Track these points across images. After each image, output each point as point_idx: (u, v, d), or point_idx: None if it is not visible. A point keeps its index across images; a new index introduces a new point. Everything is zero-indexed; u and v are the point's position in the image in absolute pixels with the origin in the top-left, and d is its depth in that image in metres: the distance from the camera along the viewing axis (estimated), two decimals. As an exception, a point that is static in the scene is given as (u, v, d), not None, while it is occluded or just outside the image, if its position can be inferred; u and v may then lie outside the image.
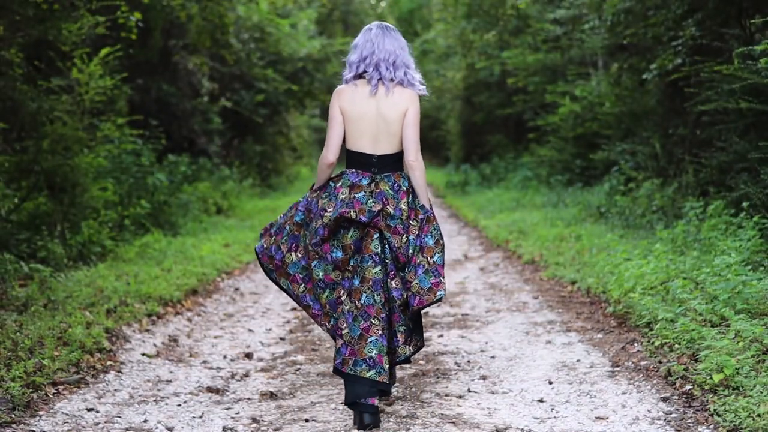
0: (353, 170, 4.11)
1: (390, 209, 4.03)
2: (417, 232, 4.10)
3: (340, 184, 4.11)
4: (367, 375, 3.92)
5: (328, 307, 4.16)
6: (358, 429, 3.93)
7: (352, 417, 4.08)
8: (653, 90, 10.94)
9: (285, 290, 4.29)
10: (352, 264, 4.10)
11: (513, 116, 20.41)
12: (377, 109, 4.06)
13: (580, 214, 11.06)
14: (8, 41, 7.34)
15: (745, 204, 6.87)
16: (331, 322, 4.17)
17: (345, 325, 4.02)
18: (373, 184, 4.07)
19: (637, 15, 10.03)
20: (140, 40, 12.66)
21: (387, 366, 3.98)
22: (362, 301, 4.00)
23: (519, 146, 20.31)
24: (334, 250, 4.08)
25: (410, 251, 4.07)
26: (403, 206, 4.06)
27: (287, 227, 4.23)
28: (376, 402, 3.95)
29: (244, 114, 18.31)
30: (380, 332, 3.98)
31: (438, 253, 4.10)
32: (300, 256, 4.22)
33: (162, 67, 14.45)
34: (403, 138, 4.08)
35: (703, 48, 8.87)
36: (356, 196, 4.04)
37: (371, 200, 4.03)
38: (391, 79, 4.07)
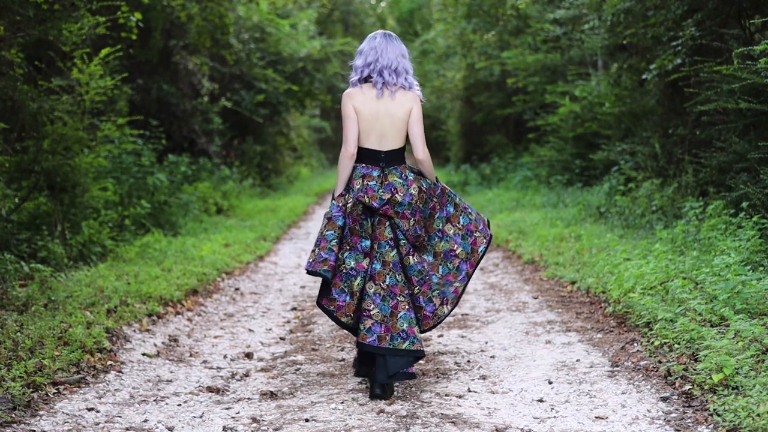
0: (363, 164, 4.55)
1: (399, 197, 4.48)
2: (440, 207, 4.65)
3: (353, 177, 4.55)
4: (403, 346, 4.39)
5: (358, 294, 4.50)
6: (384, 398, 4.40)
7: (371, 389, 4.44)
8: (653, 90, 10.94)
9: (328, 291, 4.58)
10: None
11: (513, 116, 20.39)
12: (384, 110, 4.51)
13: (579, 214, 11.07)
14: (9, 41, 7.34)
15: (744, 204, 6.87)
16: (354, 309, 4.52)
17: (373, 306, 4.43)
18: (382, 176, 4.52)
19: (637, 15, 10.03)
20: (140, 41, 12.68)
21: (419, 334, 4.49)
22: (387, 283, 4.46)
23: (519, 146, 20.29)
24: (362, 240, 4.52)
25: (439, 225, 4.64)
26: (413, 191, 4.52)
27: (328, 233, 4.49)
28: (414, 370, 4.48)
29: (244, 114, 18.32)
30: (407, 307, 4.47)
31: (461, 215, 4.70)
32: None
33: (162, 67, 14.45)
34: (410, 135, 4.57)
35: (702, 48, 8.88)
36: (369, 184, 4.50)
37: (381, 190, 4.49)
38: (394, 84, 4.52)
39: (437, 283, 4.62)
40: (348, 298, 4.52)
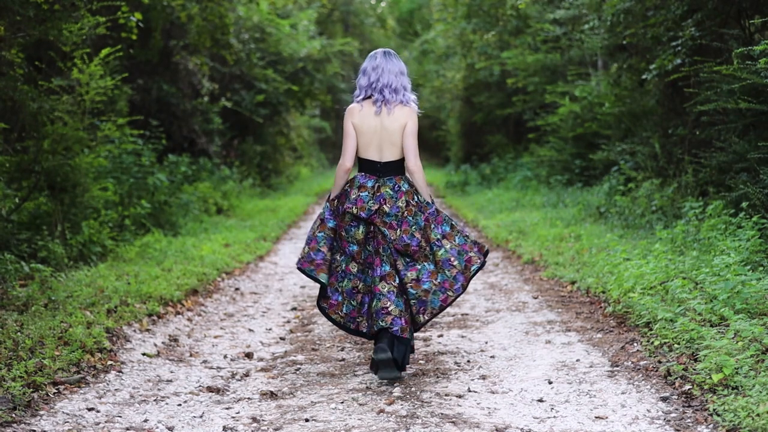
0: (362, 174, 4.90)
1: (386, 208, 4.79)
2: (432, 225, 4.91)
3: (352, 186, 4.88)
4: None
5: (345, 294, 4.91)
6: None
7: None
8: (653, 90, 10.94)
9: (322, 283, 4.90)
10: (363, 256, 4.87)
11: (513, 116, 20.40)
12: (382, 124, 4.84)
13: (579, 214, 11.07)
14: (9, 42, 7.34)
15: (744, 204, 6.88)
16: (344, 310, 4.92)
17: (389, 302, 4.73)
18: (376, 186, 4.83)
19: (637, 15, 10.04)
20: (140, 41, 12.68)
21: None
22: (396, 282, 4.79)
23: (519, 146, 20.30)
24: (350, 245, 4.87)
25: (436, 236, 4.91)
26: (400, 204, 4.82)
27: (319, 234, 4.91)
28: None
29: (244, 114, 18.32)
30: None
31: (456, 235, 4.97)
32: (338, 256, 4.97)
33: (162, 67, 14.46)
34: (403, 146, 4.86)
35: (702, 48, 8.88)
36: (361, 195, 4.82)
37: (371, 201, 4.80)
38: (393, 101, 4.85)
39: (426, 290, 4.82)
40: (340, 297, 4.93)
